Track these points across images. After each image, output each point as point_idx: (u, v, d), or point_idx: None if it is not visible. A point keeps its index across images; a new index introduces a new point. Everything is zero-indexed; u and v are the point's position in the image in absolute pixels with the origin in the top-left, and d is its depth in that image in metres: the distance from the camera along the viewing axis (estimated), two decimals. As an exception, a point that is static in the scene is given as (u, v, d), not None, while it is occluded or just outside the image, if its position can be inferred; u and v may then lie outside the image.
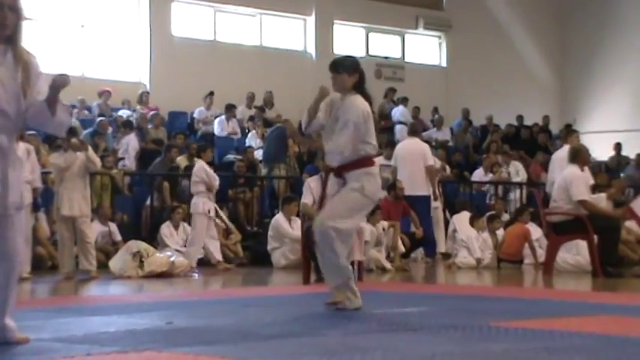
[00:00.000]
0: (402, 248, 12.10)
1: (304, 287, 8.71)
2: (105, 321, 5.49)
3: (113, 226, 12.23)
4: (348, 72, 5.91)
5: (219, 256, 11.57)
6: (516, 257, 12.12)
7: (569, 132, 12.83)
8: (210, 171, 11.46)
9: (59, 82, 4.27)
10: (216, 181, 11.47)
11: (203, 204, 11.31)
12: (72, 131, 10.38)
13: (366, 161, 5.91)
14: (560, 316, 5.72)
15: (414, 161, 12.57)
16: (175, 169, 13.98)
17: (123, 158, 14.62)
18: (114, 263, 10.42)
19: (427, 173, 12.68)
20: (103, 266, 10.59)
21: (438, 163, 14.01)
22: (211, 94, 17.22)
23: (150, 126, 16.12)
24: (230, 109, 17.05)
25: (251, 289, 9.08)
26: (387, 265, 11.38)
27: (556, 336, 4.62)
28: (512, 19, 23.05)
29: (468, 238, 12.33)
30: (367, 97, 6.01)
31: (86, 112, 16.41)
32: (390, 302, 6.84)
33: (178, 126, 17.20)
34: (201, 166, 11.43)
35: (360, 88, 5.96)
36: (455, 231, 12.85)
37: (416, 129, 14.11)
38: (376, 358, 3.90)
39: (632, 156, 19.55)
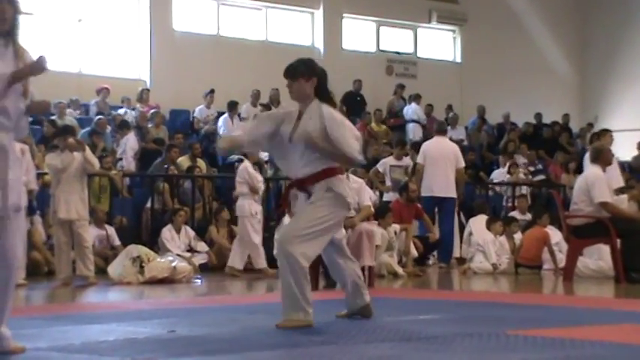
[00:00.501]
0: (414, 253, 11.97)
1: (312, 293, 8.43)
2: (104, 329, 5.45)
3: (111, 230, 12.16)
4: (304, 77, 5.50)
5: (241, 265, 11.38)
6: (535, 262, 11.88)
7: (601, 132, 12.73)
8: (254, 172, 11.40)
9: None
10: (259, 182, 11.43)
11: (249, 205, 11.21)
12: (69, 130, 10.44)
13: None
14: (581, 324, 5.64)
15: (449, 163, 12.64)
16: (165, 169, 13.79)
17: (121, 159, 14.46)
18: (113, 269, 10.28)
19: (458, 175, 12.73)
20: (101, 272, 10.51)
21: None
22: (212, 91, 17.08)
23: (150, 125, 15.98)
24: (233, 107, 16.82)
25: (257, 296, 9.05)
26: (399, 270, 11.21)
27: (577, 345, 4.55)
28: (530, 12, 22.79)
29: (485, 242, 12.16)
30: (333, 104, 5.64)
31: (76, 111, 16.17)
32: (403, 309, 6.78)
33: (180, 125, 17.11)
34: (244, 167, 11.30)
35: (322, 93, 5.53)
36: (471, 234, 12.69)
37: (444, 128, 14.29)
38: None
39: (657, 155, 19.44)
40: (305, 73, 5.49)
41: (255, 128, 5.64)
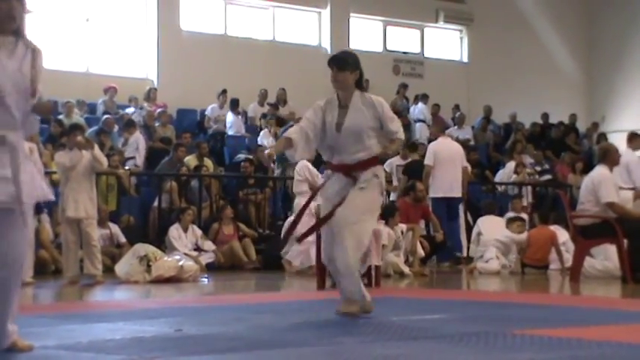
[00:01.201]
0: (421, 252, 11.92)
1: (319, 293, 8.58)
2: (111, 328, 5.43)
3: (115, 228, 12.14)
4: (351, 69, 5.87)
5: (298, 263, 11.45)
6: (542, 263, 11.84)
7: (633, 136, 12.67)
8: (314, 170, 11.33)
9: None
10: (320, 179, 11.19)
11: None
12: (78, 128, 10.40)
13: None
14: (587, 324, 5.61)
15: (457, 163, 12.80)
16: (177, 168, 13.79)
17: (132, 157, 14.46)
18: (120, 267, 10.25)
19: (464, 175, 12.86)
20: (108, 270, 10.49)
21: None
22: (224, 91, 17.07)
23: (157, 124, 15.99)
24: (235, 105, 16.91)
25: (264, 295, 9.04)
26: (406, 269, 11.16)
27: (583, 345, 4.53)
28: (537, 12, 22.74)
29: (507, 239, 12.14)
30: None
31: (75, 111, 15.85)
32: (409, 309, 6.77)
33: (187, 124, 17.14)
34: (304, 164, 11.29)
35: (360, 86, 5.95)
36: (480, 234, 12.67)
37: (444, 128, 14.52)
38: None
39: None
40: (352, 66, 5.83)
41: (307, 127, 5.80)
